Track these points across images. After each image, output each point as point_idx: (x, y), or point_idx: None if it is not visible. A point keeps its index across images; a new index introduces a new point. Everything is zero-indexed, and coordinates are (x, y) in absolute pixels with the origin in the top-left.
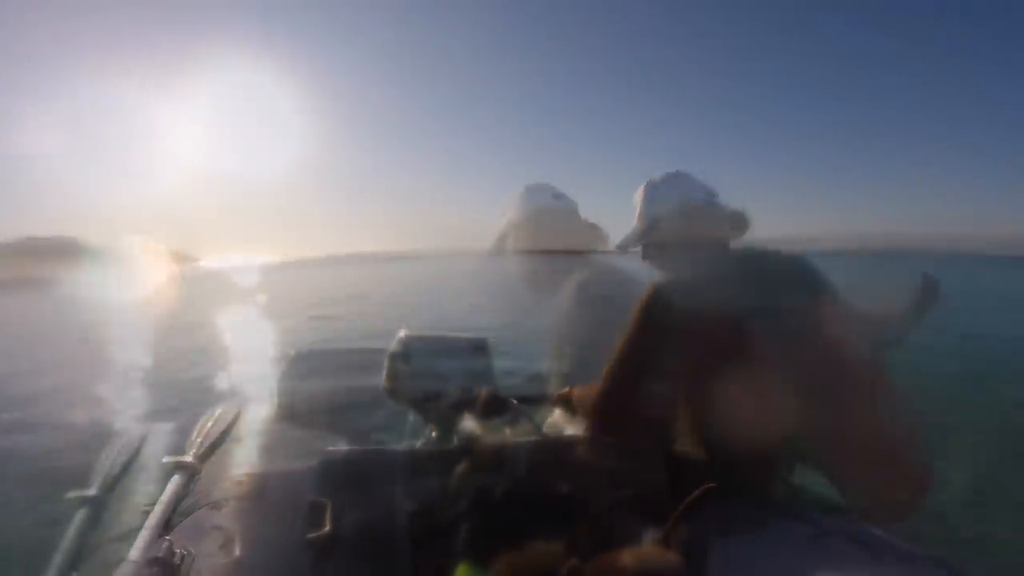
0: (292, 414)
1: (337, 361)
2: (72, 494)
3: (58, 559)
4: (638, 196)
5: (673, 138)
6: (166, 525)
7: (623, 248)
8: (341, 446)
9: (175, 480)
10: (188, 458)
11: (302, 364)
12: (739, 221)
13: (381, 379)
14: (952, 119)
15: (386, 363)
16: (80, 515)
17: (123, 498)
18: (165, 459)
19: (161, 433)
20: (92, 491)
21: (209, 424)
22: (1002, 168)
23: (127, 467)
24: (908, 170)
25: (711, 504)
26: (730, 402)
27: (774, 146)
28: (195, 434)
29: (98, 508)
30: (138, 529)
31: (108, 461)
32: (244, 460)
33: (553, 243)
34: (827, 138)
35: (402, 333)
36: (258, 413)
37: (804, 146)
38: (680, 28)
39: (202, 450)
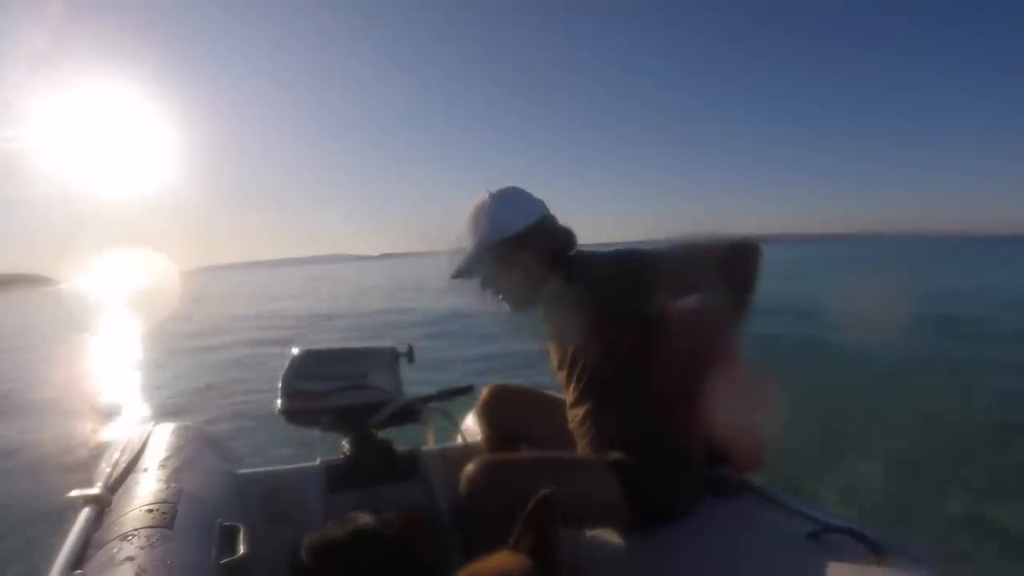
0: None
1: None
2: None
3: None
4: (472, 218)
5: (672, 134)
6: (77, 562)
7: (464, 275)
8: (254, 467)
9: (84, 513)
10: (96, 489)
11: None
12: (569, 236)
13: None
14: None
15: (280, 385)
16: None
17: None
18: (72, 492)
19: (165, 433)
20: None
21: (118, 451)
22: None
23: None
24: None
25: (708, 500)
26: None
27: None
28: (103, 463)
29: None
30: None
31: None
32: (155, 486)
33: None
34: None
35: (294, 350)
36: (167, 432)
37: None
38: (681, 20)
39: (112, 479)
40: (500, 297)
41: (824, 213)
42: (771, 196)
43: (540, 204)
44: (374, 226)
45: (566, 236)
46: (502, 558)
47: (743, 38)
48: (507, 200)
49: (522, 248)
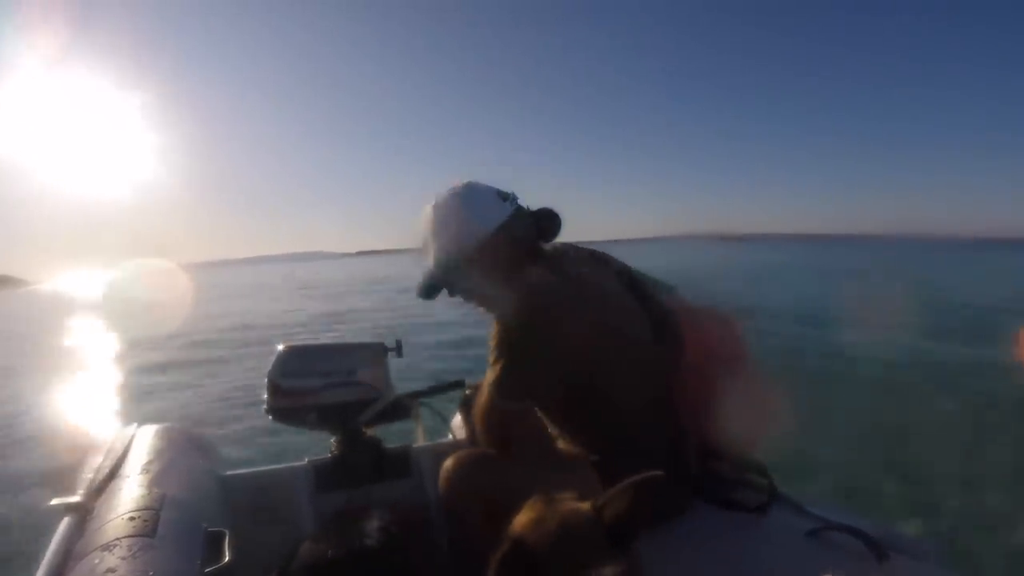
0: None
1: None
2: (56, 501)
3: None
4: (427, 227)
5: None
6: (57, 574)
7: (430, 294)
8: (240, 468)
9: (65, 523)
10: (77, 497)
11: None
12: (550, 220)
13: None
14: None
15: (266, 383)
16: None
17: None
18: (53, 501)
19: (147, 436)
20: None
21: (100, 455)
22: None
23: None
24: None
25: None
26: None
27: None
28: (85, 468)
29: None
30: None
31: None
32: (138, 492)
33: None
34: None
35: (280, 347)
36: (150, 434)
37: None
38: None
39: (94, 486)
40: (481, 309)
41: (825, 213)
42: (771, 196)
43: (503, 202)
44: (353, 223)
45: (545, 224)
46: (578, 508)
47: (739, 37)
48: (453, 213)
49: (493, 253)
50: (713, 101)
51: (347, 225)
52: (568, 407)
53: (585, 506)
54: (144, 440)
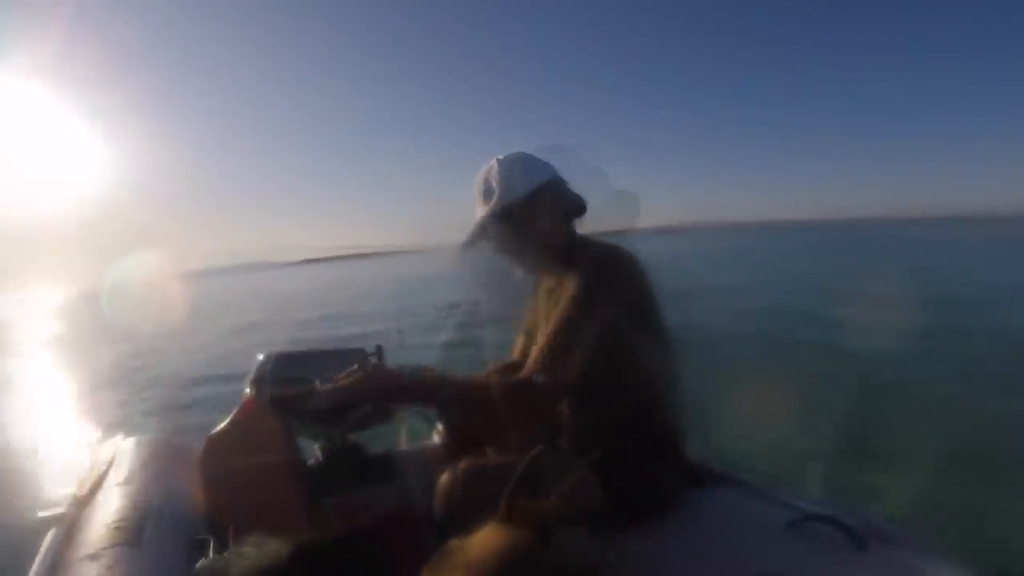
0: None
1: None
2: (42, 514)
3: None
4: (481, 184)
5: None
6: None
7: (476, 241)
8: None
9: (52, 533)
10: (63, 509)
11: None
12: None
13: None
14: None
15: (248, 389)
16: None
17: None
18: (39, 514)
19: (131, 447)
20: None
21: (85, 467)
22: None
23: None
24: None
25: (687, 491)
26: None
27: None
28: (71, 480)
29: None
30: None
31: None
32: (122, 502)
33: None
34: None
35: (265, 354)
36: (133, 445)
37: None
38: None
39: (79, 498)
40: (513, 261)
41: (829, 200)
42: (774, 186)
43: (549, 166)
44: (291, 234)
45: (576, 199)
46: (491, 534)
47: (733, 30)
48: (516, 162)
49: (535, 207)
50: (714, 93)
51: (285, 235)
52: (597, 372)
53: (500, 530)
54: (128, 451)
